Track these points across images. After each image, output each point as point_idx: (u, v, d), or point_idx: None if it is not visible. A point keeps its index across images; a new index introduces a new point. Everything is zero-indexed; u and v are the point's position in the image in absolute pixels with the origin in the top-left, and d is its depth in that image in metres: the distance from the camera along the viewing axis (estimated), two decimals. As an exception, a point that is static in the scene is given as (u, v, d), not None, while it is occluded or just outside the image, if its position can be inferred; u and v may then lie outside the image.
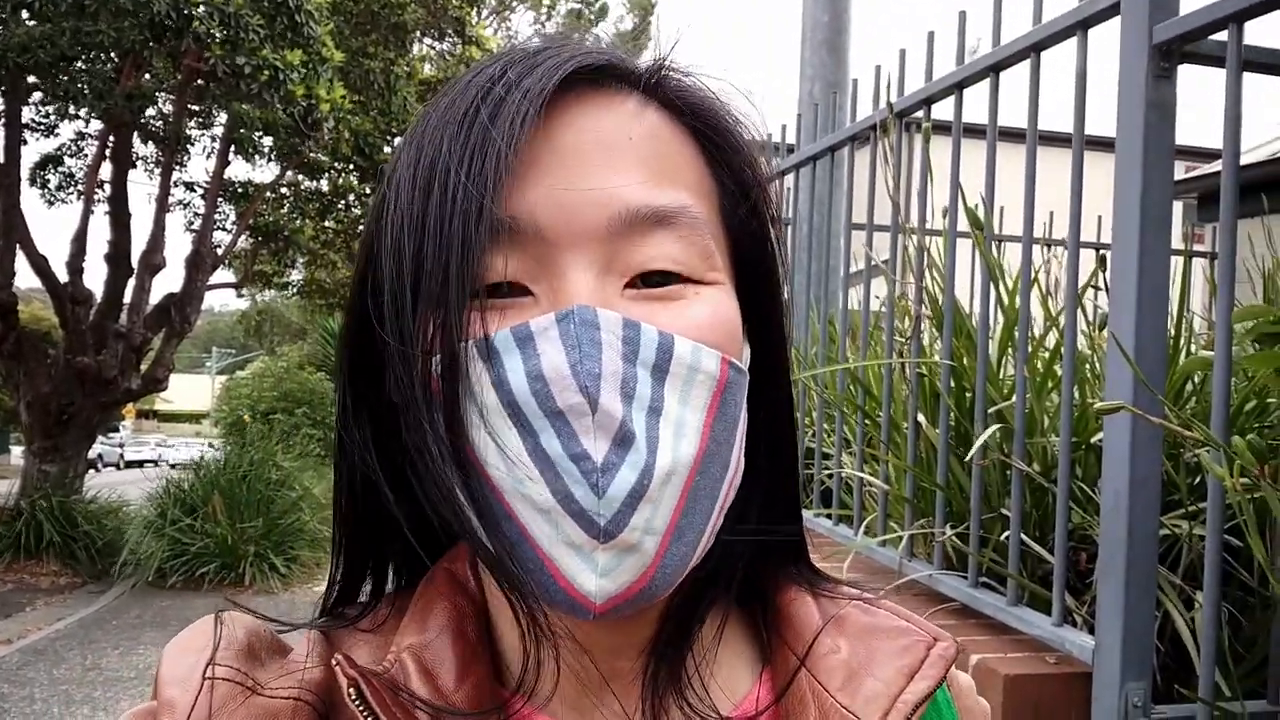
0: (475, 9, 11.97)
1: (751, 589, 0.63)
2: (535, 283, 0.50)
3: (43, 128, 11.95)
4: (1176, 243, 1.84)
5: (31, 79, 9.56)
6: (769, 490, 0.61)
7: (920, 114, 2.09)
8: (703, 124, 0.56)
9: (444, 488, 0.50)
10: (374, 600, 0.59)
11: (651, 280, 0.51)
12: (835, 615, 0.61)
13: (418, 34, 11.73)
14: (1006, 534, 1.76)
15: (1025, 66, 1.79)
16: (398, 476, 0.54)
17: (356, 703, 0.49)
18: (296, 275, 14.96)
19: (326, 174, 13.06)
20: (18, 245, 10.44)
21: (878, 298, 2.49)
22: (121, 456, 33.97)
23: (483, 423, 0.48)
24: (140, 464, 24.29)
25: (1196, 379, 1.87)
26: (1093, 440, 1.81)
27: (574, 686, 0.55)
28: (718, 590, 0.59)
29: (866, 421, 2.37)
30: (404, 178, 0.52)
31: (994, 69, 1.85)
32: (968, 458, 1.80)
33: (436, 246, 0.49)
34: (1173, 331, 1.77)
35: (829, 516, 2.53)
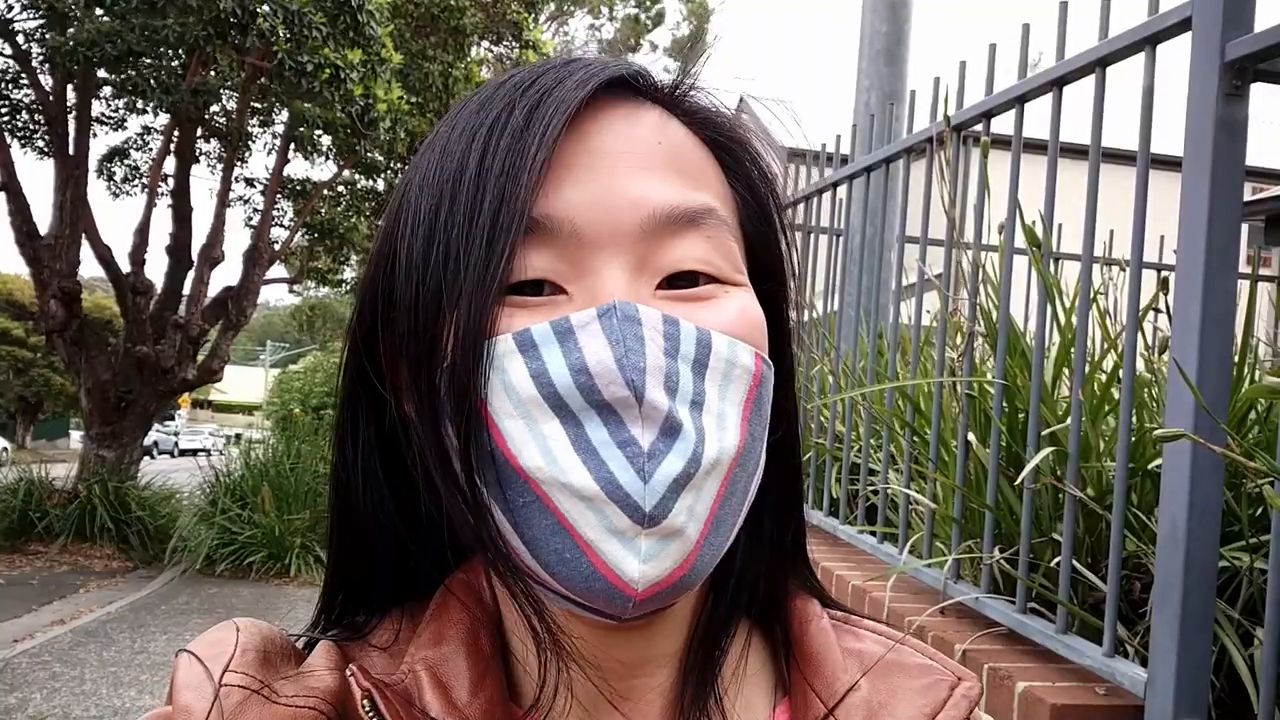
0: (533, 14, 12.06)
1: (763, 596, 0.62)
2: (569, 282, 0.51)
3: (111, 121, 12.30)
4: (1242, 266, 1.79)
5: (101, 73, 9.83)
6: (780, 495, 0.62)
7: (979, 127, 2.06)
8: (721, 137, 0.58)
9: (465, 491, 0.49)
10: (388, 611, 0.59)
11: (680, 282, 0.52)
12: (855, 650, 0.60)
13: (476, 38, 11.86)
14: (1057, 559, 1.72)
15: (1089, 81, 1.75)
16: (399, 491, 0.55)
17: (370, 713, 0.49)
18: (350, 273, 15.20)
19: (383, 174, 13.27)
20: (84, 235, 10.75)
21: (929, 313, 2.45)
22: (176, 445, 34.72)
23: (519, 414, 0.48)
24: (194, 452, 24.82)
25: (1260, 407, 1.81)
26: (1150, 467, 1.76)
27: (587, 705, 0.55)
28: (742, 600, 0.59)
29: (914, 439, 2.33)
30: (429, 181, 0.52)
31: (1057, 83, 1.81)
32: (1018, 480, 1.76)
33: (472, 241, 0.49)
34: (1236, 357, 1.72)
35: (873, 534, 2.50)
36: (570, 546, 0.47)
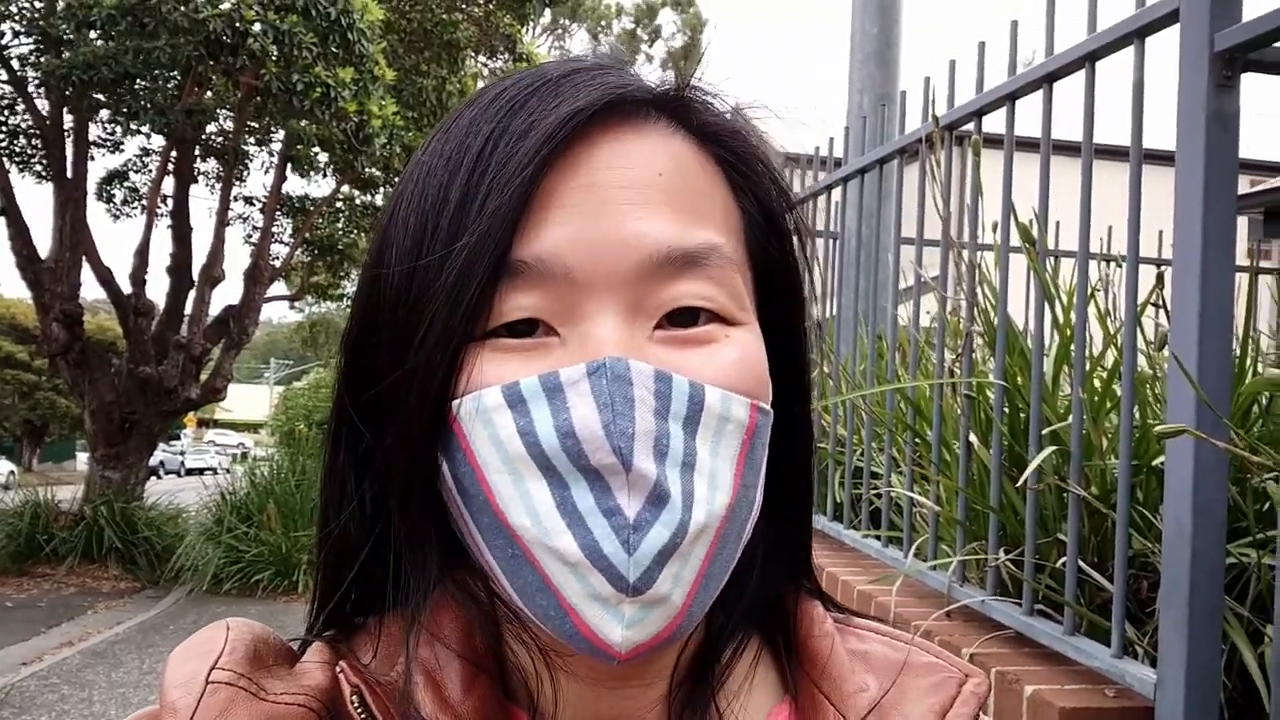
0: (525, 26, 12.09)
1: (767, 604, 0.62)
2: (561, 324, 0.49)
3: (109, 144, 12.35)
4: (1241, 259, 1.77)
5: (97, 95, 9.87)
6: (792, 515, 0.61)
7: (971, 126, 2.05)
8: (728, 151, 0.55)
9: (459, 527, 0.50)
10: (382, 611, 0.58)
11: (680, 319, 0.51)
12: (860, 651, 0.60)
13: (470, 51, 11.89)
14: (1062, 560, 1.71)
15: (1080, 77, 1.74)
16: (386, 510, 0.55)
17: (360, 710, 0.49)
18: (350, 287, 15.22)
19: (380, 189, 13.29)
20: (84, 257, 10.78)
21: (928, 314, 2.44)
22: (183, 464, 34.74)
23: (507, 470, 0.47)
24: (200, 471, 24.85)
25: (1263, 400, 1.79)
26: (1154, 463, 1.75)
27: (583, 712, 0.54)
28: (746, 612, 0.59)
29: (916, 441, 2.32)
30: (414, 205, 0.51)
31: (1047, 79, 1.80)
32: (1021, 480, 1.75)
33: (444, 284, 0.48)
34: (1237, 351, 1.70)
35: (878, 538, 2.48)
36: (554, 605, 0.47)
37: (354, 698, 0.49)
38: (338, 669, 0.51)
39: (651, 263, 0.49)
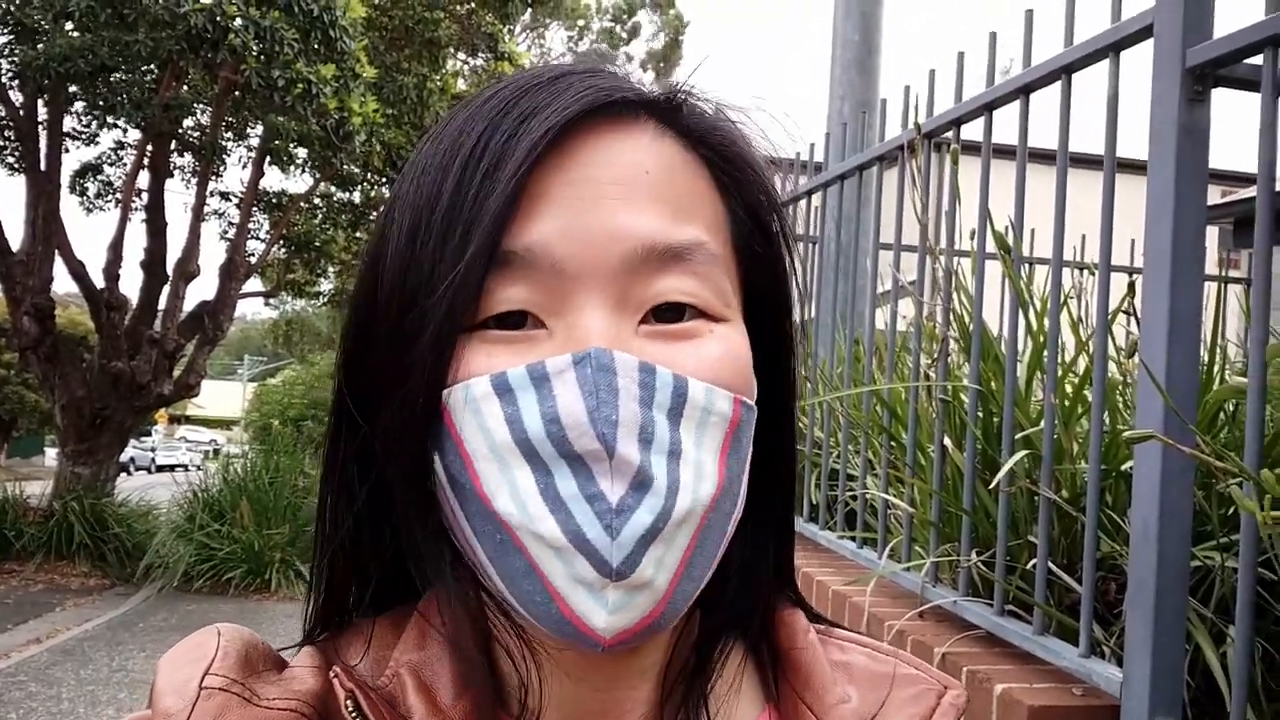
0: (507, 25, 12.07)
1: (751, 612, 0.62)
2: (549, 316, 0.50)
3: (83, 136, 12.20)
4: (1211, 268, 1.81)
5: (72, 88, 9.76)
6: (776, 518, 0.62)
7: (949, 135, 2.08)
8: (716, 154, 0.56)
9: (447, 517, 0.51)
10: (375, 616, 0.59)
11: (666, 314, 0.51)
12: (842, 662, 0.60)
13: (451, 50, 11.85)
14: (1033, 561, 1.74)
15: (1056, 88, 1.77)
16: (384, 505, 0.55)
17: (354, 715, 0.49)
18: (327, 285, 15.13)
19: (359, 186, 13.22)
20: (56, 251, 10.65)
21: (904, 319, 2.47)
22: (153, 460, 34.35)
23: (494, 457, 0.48)
24: (172, 468, 24.58)
25: (1230, 408, 1.83)
26: (1123, 468, 1.78)
27: (570, 716, 0.54)
28: (733, 618, 0.59)
29: (892, 444, 2.34)
30: (410, 202, 0.52)
31: (1024, 90, 1.83)
32: (993, 483, 1.78)
33: (440, 275, 0.49)
34: (1206, 359, 1.74)
35: (853, 539, 2.51)
36: (540, 590, 0.48)
37: (349, 703, 0.50)
38: (331, 674, 0.51)
39: (637, 256, 0.50)
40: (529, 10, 13.22)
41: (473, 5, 11.36)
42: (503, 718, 0.54)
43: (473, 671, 0.52)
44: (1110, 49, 1.61)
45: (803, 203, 3.18)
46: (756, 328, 0.57)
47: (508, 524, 0.48)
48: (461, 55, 12.65)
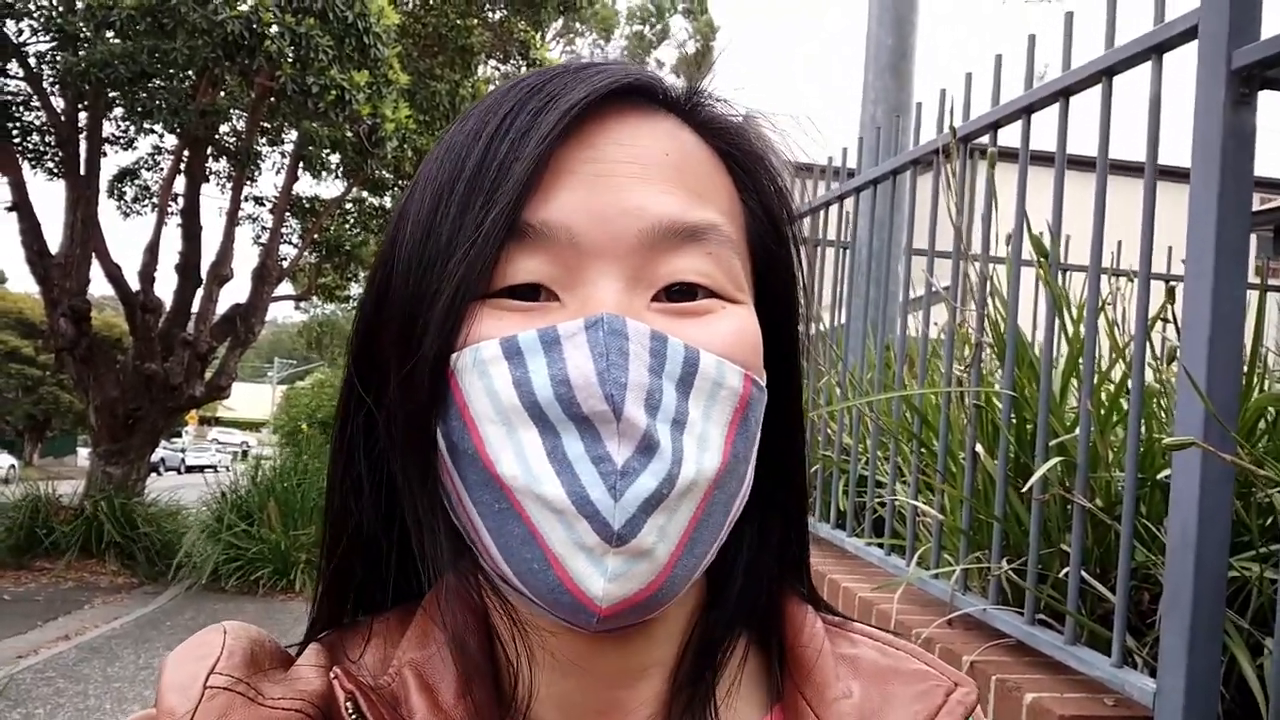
0: (540, 32, 12.15)
1: (761, 608, 0.62)
2: (563, 289, 0.50)
3: (121, 141, 12.41)
4: (1250, 276, 1.78)
5: (112, 94, 9.92)
6: (787, 508, 0.61)
7: (985, 139, 2.06)
8: (735, 150, 0.57)
9: (446, 489, 0.51)
10: (379, 614, 0.59)
11: (678, 295, 0.52)
12: (849, 656, 0.59)
13: (483, 56, 11.94)
14: (1065, 570, 1.71)
15: (1096, 91, 1.75)
16: (390, 497, 0.55)
17: (354, 716, 0.49)
18: (357, 289, 15.27)
19: (390, 191, 13.34)
20: (94, 254, 10.82)
21: (937, 324, 2.45)
22: (183, 461, 34.74)
23: (500, 420, 0.48)
24: (201, 469, 24.84)
25: (1270, 415, 1.80)
26: (1159, 477, 1.75)
27: (573, 715, 0.54)
28: (743, 612, 0.59)
29: (922, 450, 2.32)
30: (432, 180, 0.53)
31: (1063, 93, 1.81)
32: (1026, 490, 1.76)
33: (459, 241, 0.50)
34: (1246, 367, 1.71)
35: (880, 546, 2.49)
36: (539, 558, 0.47)
37: (348, 704, 0.49)
38: (332, 675, 0.51)
39: (654, 234, 0.50)
40: (561, 18, 13.30)
41: (505, 12, 11.44)
42: (505, 717, 0.53)
43: (474, 670, 0.52)
44: (1153, 50, 1.59)
45: (834, 208, 3.17)
46: (767, 325, 0.57)
47: (510, 488, 0.48)
48: (493, 62, 12.75)
